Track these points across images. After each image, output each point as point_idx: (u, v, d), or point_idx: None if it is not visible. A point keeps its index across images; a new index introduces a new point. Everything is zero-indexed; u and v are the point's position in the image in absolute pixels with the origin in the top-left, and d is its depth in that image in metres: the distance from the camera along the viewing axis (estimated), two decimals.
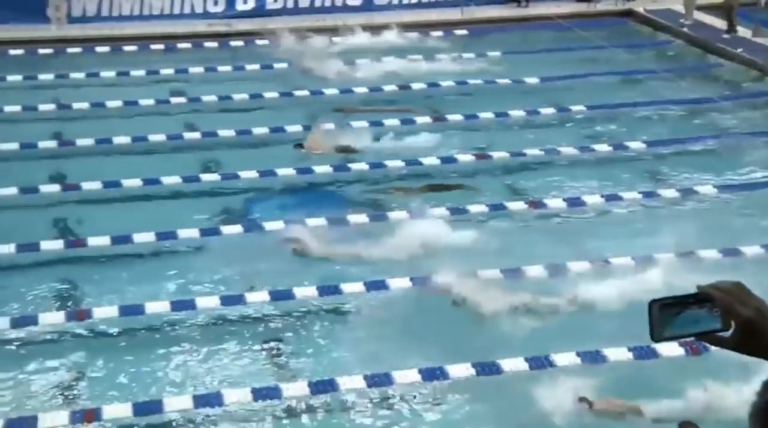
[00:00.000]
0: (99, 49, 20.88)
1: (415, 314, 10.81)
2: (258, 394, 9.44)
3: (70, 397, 9.56)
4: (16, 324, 10.53)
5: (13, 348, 10.24)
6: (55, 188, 14.12)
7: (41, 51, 20.66)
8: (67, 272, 11.70)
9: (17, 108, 17.16)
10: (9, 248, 12.10)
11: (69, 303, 11.15)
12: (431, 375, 9.71)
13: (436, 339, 10.33)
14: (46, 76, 19.00)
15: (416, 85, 18.38)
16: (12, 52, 20.46)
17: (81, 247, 12.27)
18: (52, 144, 15.70)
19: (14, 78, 18.83)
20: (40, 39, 21.15)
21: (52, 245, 12.31)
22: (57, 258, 12.06)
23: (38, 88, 18.48)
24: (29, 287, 11.35)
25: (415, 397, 9.57)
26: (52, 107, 17.42)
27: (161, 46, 20.81)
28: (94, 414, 9.13)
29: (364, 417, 9.36)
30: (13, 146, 15.44)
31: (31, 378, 9.79)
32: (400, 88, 18.30)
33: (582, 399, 9.17)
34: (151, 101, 17.50)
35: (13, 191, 13.82)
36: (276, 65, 19.53)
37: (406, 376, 9.69)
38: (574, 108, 17.33)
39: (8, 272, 11.60)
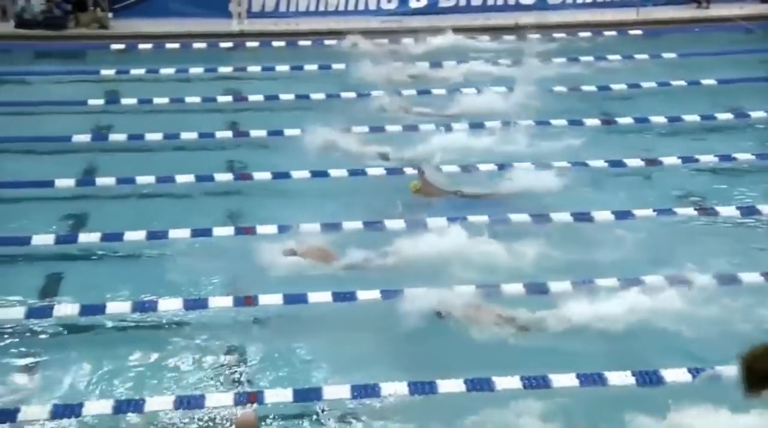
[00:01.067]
0: (275, 43, 21.63)
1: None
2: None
3: (234, 380, 9.92)
4: (188, 306, 11.06)
5: (186, 330, 10.73)
6: (228, 177, 14.69)
7: (222, 45, 21.59)
8: (236, 259, 12.13)
9: (197, 99, 17.97)
10: (185, 233, 12.69)
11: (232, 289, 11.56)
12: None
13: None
14: (225, 69, 19.86)
15: (586, 88, 18.13)
16: (196, 45, 21.48)
17: (250, 235, 12.72)
18: (227, 134, 16.35)
19: (196, 70, 19.72)
20: (222, 33, 22.10)
21: (224, 231, 12.83)
22: (229, 243, 12.54)
23: (218, 80, 19.32)
24: (201, 273, 11.83)
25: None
26: (229, 98, 18.15)
27: (334, 41, 21.28)
28: (257, 397, 9.47)
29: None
30: (192, 135, 16.17)
31: (202, 360, 10.22)
32: (570, 89, 18.09)
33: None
34: (321, 95, 17.93)
35: (190, 178, 14.48)
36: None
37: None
38: (754, 114, 16.69)
39: (182, 257, 12.13)
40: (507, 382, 9.51)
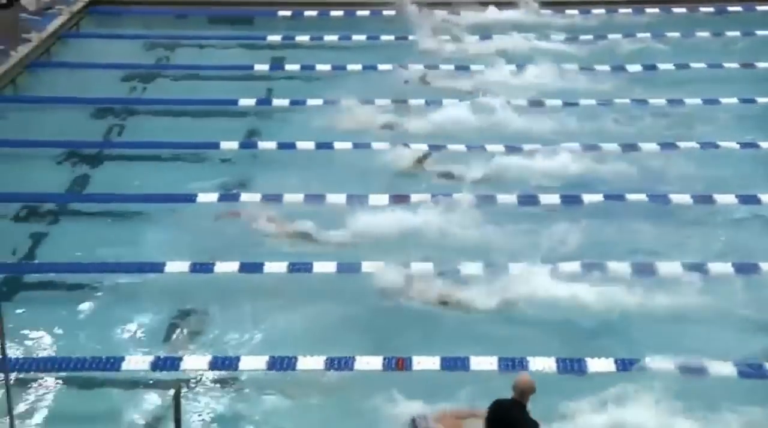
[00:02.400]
0: None
1: None
2: None
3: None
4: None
5: None
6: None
7: (385, 13, 21.90)
8: None
9: (358, 66, 18.24)
10: (340, 198, 13.05)
11: None
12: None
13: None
14: (386, 37, 20.13)
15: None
16: (359, 12, 21.75)
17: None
18: (385, 101, 16.61)
19: (358, 37, 20.00)
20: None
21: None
22: None
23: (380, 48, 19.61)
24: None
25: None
26: (388, 66, 18.36)
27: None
28: (404, 363, 9.70)
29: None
30: (352, 100, 16.46)
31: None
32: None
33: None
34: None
35: (347, 145, 14.78)
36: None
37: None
38: None
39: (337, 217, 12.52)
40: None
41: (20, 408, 8.86)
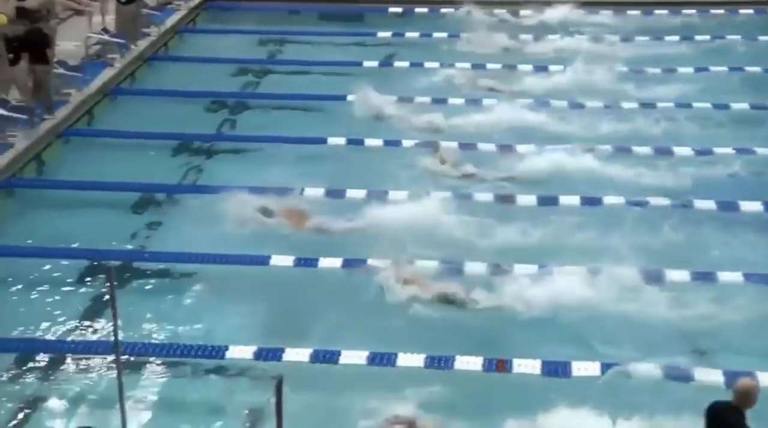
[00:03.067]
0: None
1: None
2: None
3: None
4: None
5: None
6: None
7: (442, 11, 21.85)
8: None
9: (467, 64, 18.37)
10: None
11: None
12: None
13: None
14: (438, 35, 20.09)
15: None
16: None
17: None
18: (492, 101, 16.69)
19: None
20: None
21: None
22: None
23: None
24: None
25: None
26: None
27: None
28: (504, 365, 9.73)
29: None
30: (459, 100, 16.66)
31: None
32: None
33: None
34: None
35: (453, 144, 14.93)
36: None
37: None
38: None
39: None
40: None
41: (129, 391, 9.18)
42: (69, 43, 18.11)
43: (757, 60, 18.41)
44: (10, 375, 9.71)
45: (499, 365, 9.70)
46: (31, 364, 9.88)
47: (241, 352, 9.93)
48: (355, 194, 13.30)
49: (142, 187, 13.76)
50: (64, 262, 11.74)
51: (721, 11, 21.66)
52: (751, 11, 21.68)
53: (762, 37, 19.83)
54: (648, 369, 9.46)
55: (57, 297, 11.08)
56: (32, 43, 14.85)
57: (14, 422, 9.04)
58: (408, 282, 11.00)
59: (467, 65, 18.25)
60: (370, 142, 15.13)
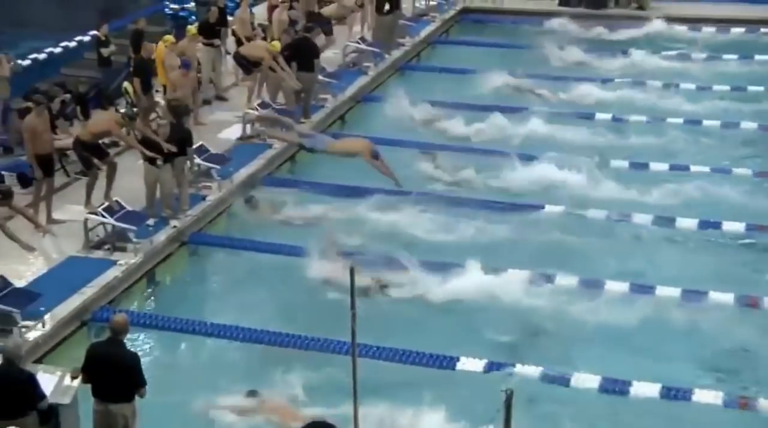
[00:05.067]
0: None
1: None
2: None
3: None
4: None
5: None
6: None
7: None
8: None
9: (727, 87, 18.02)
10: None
11: None
12: None
13: None
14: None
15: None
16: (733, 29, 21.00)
17: None
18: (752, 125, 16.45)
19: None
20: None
21: None
22: None
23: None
24: None
25: None
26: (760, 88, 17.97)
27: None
28: (747, 403, 9.39)
29: None
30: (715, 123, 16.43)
31: None
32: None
33: None
34: None
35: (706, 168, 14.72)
36: None
37: None
38: None
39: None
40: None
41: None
42: (329, 51, 18.91)
43: None
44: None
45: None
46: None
47: (472, 365, 10.03)
48: None
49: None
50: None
51: None
52: None
53: None
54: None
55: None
56: (301, 51, 16.06)
57: None
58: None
59: None
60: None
